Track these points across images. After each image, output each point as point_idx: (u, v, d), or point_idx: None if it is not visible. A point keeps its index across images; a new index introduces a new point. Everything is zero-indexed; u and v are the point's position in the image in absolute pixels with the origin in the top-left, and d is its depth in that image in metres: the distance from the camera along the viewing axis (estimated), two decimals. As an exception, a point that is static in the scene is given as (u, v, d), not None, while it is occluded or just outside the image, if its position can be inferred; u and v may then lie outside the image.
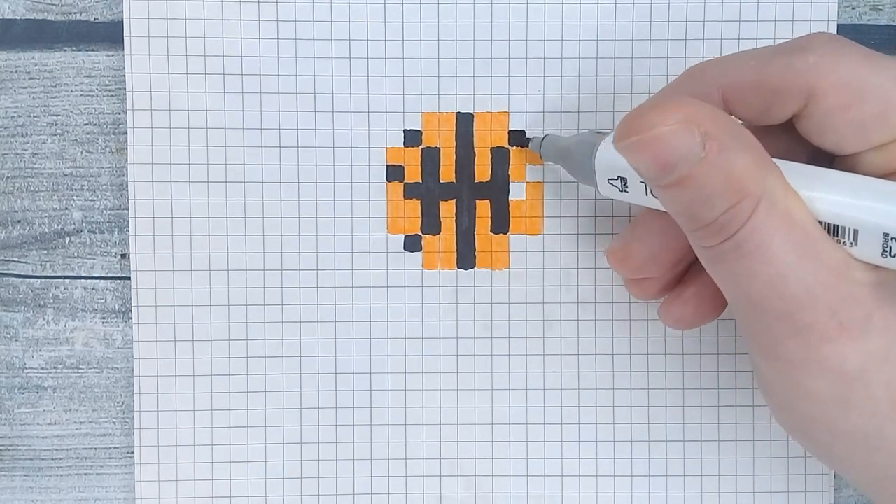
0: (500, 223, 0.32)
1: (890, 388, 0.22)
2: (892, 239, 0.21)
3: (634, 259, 0.28)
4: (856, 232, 0.22)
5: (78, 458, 0.33)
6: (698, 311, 0.28)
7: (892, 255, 0.21)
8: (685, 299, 0.28)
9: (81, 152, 0.32)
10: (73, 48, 0.32)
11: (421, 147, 0.32)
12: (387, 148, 0.32)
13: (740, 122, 0.25)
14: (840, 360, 0.22)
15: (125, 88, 0.32)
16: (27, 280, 0.33)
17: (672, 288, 0.29)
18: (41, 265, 0.33)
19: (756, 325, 0.24)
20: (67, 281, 0.33)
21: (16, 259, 0.33)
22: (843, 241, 0.22)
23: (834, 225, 0.22)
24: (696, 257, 0.25)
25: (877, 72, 0.23)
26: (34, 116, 0.32)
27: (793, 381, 0.23)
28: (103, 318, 0.33)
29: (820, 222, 0.22)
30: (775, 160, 0.23)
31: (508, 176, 0.32)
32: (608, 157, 0.26)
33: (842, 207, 0.22)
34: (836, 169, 0.24)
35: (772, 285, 0.22)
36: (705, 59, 0.26)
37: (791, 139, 0.25)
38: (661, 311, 0.29)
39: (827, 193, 0.22)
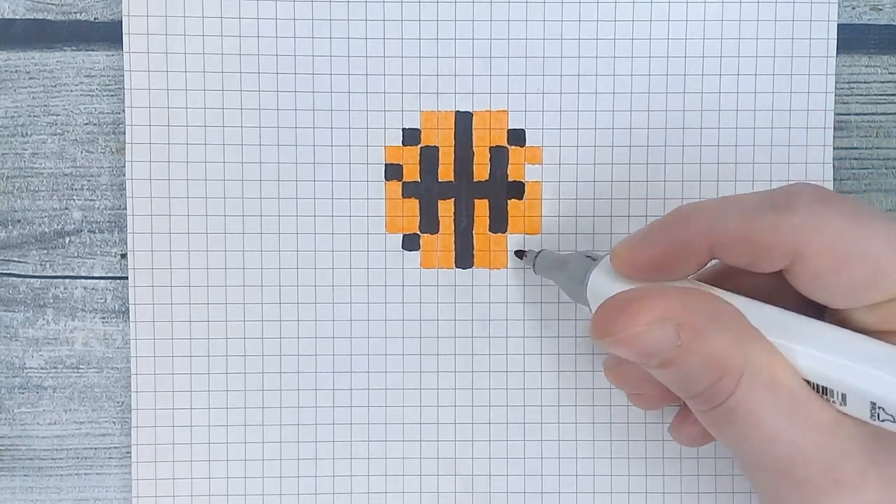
0: (499, 222, 0.32)
1: None
2: (879, 408, 0.21)
3: (632, 376, 0.29)
4: (844, 395, 0.22)
5: (77, 457, 0.33)
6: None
7: (881, 420, 0.21)
8: (694, 420, 0.28)
9: (81, 152, 0.33)
10: (73, 48, 0.32)
11: (419, 146, 0.32)
12: (385, 146, 0.32)
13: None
14: None
15: (125, 88, 0.32)
16: (27, 280, 0.33)
17: (674, 397, 0.29)
18: (41, 265, 0.33)
19: (757, 479, 0.24)
20: (67, 281, 0.33)
21: (16, 259, 0.33)
22: (832, 400, 0.22)
23: (822, 385, 0.22)
24: None
25: (865, 235, 0.22)
26: (34, 116, 0.32)
27: None
28: (103, 318, 0.33)
29: (808, 381, 0.23)
30: (765, 305, 0.24)
31: (507, 175, 0.32)
32: (599, 286, 0.26)
33: (829, 369, 0.22)
34: (828, 320, 0.24)
35: (764, 447, 0.23)
36: (691, 203, 0.25)
37: (783, 283, 0.24)
38: (673, 432, 0.30)
39: (815, 351, 0.23)
